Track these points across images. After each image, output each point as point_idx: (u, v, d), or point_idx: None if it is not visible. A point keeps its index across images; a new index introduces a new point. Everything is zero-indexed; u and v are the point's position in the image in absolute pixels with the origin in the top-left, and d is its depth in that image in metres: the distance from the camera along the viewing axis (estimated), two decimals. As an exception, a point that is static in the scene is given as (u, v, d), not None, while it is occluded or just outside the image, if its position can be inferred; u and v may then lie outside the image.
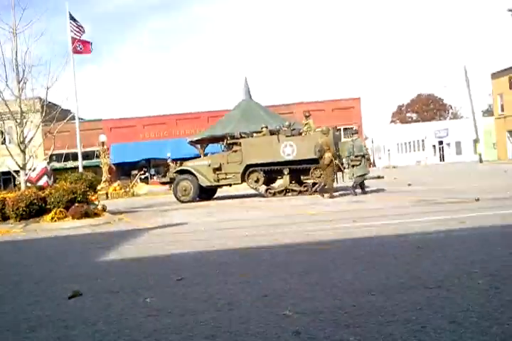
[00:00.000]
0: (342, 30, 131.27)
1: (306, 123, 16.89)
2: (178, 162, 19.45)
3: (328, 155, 14.01)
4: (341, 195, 14.51)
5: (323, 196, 14.08)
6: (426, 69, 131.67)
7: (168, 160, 29.88)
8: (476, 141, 47.48)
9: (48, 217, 11.46)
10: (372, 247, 5.47)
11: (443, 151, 62.85)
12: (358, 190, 14.47)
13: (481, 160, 44.13)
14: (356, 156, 14.38)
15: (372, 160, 49.23)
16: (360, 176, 14.41)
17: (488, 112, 69.92)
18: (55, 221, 11.30)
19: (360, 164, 14.38)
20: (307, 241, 6.19)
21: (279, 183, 16.95)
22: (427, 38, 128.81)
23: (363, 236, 6.29)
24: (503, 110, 46.93)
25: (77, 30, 24.25)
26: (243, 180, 16.73)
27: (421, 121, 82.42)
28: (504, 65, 46.39)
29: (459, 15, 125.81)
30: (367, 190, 14.75)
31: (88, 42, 24.34)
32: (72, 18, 24.06)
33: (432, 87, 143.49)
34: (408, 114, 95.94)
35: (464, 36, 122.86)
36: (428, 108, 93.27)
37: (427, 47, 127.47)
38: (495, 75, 47.40)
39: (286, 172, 16.16)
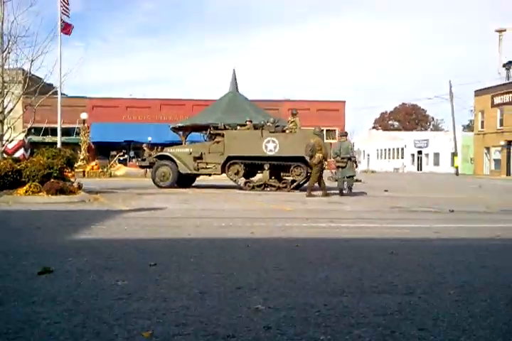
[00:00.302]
0: (337, 36, 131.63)
1: (292, 121, 16.90)
2: (155, 147, 19.25)
3: (318, 156, 13.97)
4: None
5: (308, 195, 13.75)
6: (412, 80, 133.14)
7: (144, 145, 29.72)
8: (454, 154, 48.24)
9: (22, 190, 11.27)
10: (347, 249, 5.51)
11: (421, 161, 63.73)
12: (345, 191, 14.54)
13: (457, 173, 44.89)
14: (343, 158, 14.39)
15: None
16: (350, 177, 14.44)
17: (468, 127, 71.09)
18: (29, 195, 11.11)
19: (345, 166, 14.38)
20: (283, 238, 6.20)
21: (259, 177, 16.97)
22: (418, 52, 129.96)
23: (338, 237, 6.32)
24: (483, 127, 47.78)
25: (65, 8, 23.76)
26: (223, 171, 16.71)
27: (402, 130, 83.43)
28: (488, 83, 47.11)
29: (451, 33, 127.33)
30: (344, 192, 14.76)
31: (70, 25, 23.87)
32: None
33: (416, 98, 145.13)
34: (390, 122, 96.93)
35: (453, 52, 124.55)
36: (410, 117, 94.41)
37: (416, 59, 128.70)
38: (478, 92, 48.20)
39: (266, 168, 16.18)
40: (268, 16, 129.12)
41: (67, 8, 23.74)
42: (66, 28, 23.70)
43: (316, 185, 14.28)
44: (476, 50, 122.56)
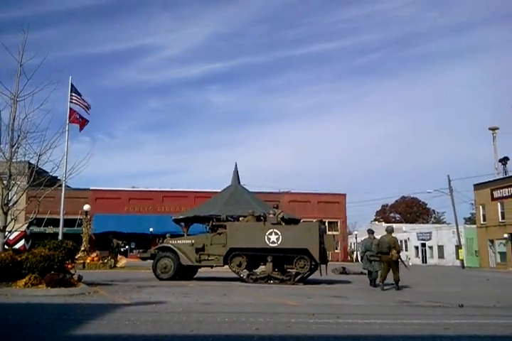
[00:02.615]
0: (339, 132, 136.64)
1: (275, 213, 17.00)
2: (157, 239, 19.30)
3: (394, 252, 14.64)
4: (326, 288, 14.26)
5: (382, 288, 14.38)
6: (411, 174, 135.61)
7: (110, 236, 29.80)
8: (458, 247, 47.79)
9: (22, 282, 11.05)
10: (357, 346, 5.32)
11: (425, 253, 62.90)
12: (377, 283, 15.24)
13: (463, 266, 44.12)
14: (377, 253, 15.37)
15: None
16: (376, 272, 15.58)
17: (470, 220, 71.12)
18: (29, 287, 10.88)
19: (379, 260, 15.43)
20: (289, 335, 6.00)
21: (262, 269, 16.69)
22: (417, 147, 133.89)
23: (346, 334, 6.12)
24: (485, 220, 47.86)
25: (80, 103, 25.03)
26: (225, 263, 16.48)
27: (404, 222, 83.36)
28: (486, 177, 48.13)
29: (448, 130, 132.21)
30: (351, 284, 14.59)
31: (85, 120, 25.00)
32: (76, 91, 24.96)
33: (416, 191, 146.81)
34: (392, 214, 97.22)
35: (450, 148, 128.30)
36: (411, 210, 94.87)
37: (415, 154, 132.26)
38: (477, 186, 48.94)
39: (269, 260, 15.98)
40: (268, 115, 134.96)
41: (83, 102, 24.99)
42: (82, 122, 24.79)
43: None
44: (473, 146, 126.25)
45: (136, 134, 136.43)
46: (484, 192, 47.45)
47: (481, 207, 48.61)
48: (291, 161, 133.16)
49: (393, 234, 15.54)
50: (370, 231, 17.01)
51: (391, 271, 14.66)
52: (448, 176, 48.09)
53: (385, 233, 15.21)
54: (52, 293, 10.49)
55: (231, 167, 26.15)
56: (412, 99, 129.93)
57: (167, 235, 26.59)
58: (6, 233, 14.11)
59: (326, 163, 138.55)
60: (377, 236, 16.57)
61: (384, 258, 14.91)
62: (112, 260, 26.10)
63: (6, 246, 14.69)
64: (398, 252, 14.93)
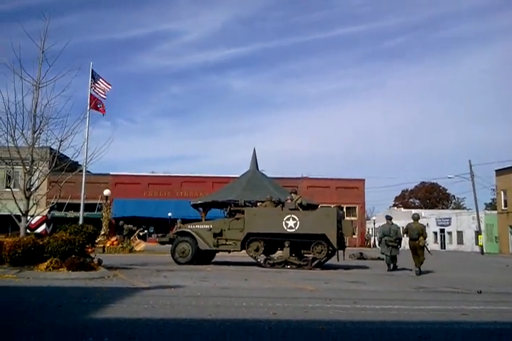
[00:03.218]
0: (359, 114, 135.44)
1: (296, 198, 17.04)
2: (175, 223, 19.46)
3: (421, 239, 15.37)
4: (340, 273, 14.29)
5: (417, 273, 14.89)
6: (431, 159, 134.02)
7: (121, 222, 30.27)
8: (478, 233, 47.34)
9: (43, 265, 11.31)
10: (374, 332, 5.32)
11: (444, 239, 62.47)
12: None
13: (482, 252, 43.75)
14: (396, 239, 16.57)
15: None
16: (394, 256, 16.53)
17: (491, 206, 70.24)
18: (50, 270, 11.13)
19: (396, 246, 16.55)
20: (307, 319, 6.03)
21: (279, 255, 16.75)
22: (437, 132, 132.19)
23: (364, 320, 6.12)
24: (506, 205, 47.22)
25: (101, 88, 25.20)
26: (243, 248, 16.57)
27: (423, 208, 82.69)
28: (508, 162, 47.27)
29: (471, 115, 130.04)
30: (368, 270, 14.74)
31: (103, 105, 25.22)
32: (97, 76, 25.09)
33: (436, 176, 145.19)
34: (411, 200, 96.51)
35: (472, 133, 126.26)
36: (431, 196, 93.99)
37: (435, 139, 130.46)
38: (499, 172, 48.20)
39: (286, 245, 16.02)
40: (288, 100, 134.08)
41: (105, 87, 25.16)
42: (103, 107, 25.02)
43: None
44: (496, 131, 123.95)
45: (156, 120, 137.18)
46: (506, 177, 46.73)
47: (502, 192, 47.93)
48: (310, 147, 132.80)
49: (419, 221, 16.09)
50: (388, 218, 17.52)
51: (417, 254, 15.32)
52: (469, 161, 47.40)
53: (409, 219, 16.19)
54: (72, 277, 10.69)
55: (249, 152, 26.21)
56: (434, 83, 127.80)
57: (178, 220, 27.10)
58: (28, 217, 14.36)
59: (345, 148, 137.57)
60: (395, 222, 17.15)
61: (412, 243, 15.47)
62: (131, 244, 26.47)
63: (28, 230, 14.97)
64: (425, 238, 15.62)
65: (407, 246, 15.99)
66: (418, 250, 15.37)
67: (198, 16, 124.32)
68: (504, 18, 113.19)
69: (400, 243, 16.83)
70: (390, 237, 16.60)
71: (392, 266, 16.49)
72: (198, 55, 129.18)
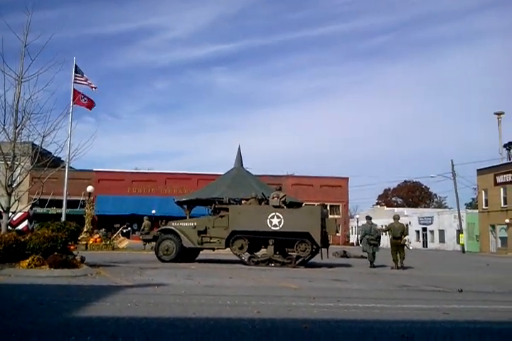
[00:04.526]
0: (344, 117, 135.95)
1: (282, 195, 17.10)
2: (159, 221, 19.46)
3: (403, 238, 17.35)
4: (325, 271, 14.36)
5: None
6: (414, 158, 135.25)
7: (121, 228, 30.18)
8: (459, 232, 47.96)
9: (25, 262, 11.15)
10: (357, 331, 5.36)
11: (426, 238, 63.17)
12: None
13: (463, 251, 44.35)
14: (376, 237, 17.76)
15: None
16: (374, 253, 17.57)
17: (471, 205, 71.13)
18: (32, 267, 10.99)
19: (377, 244, 17.76)
20: (290, 318, 6.05)
21: (263, 252, 16.78)
22: (420, 131, 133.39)
23: (347, 319, 6.16)
24: (487, 205, 47.89)
25: (85, 83, 24.97)
26: (227, 246, 16.56)
27: (406, 207, 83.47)
28: (489, 162, 48.08)
29: (452, 114, 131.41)
30: (351, 268, 15.54)
31: (92, 101, 24.98)
32: (79, 71, 24.83)
33: (418, 175, 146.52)
34: (394, 198, 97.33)
35: (454, 133, 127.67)
36: (414, 194, 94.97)
37: (418, 139, 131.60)
38: (480, 172, 48.87)
39: (271, 243, 16.06)
40: (272, 97, 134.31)
41: (87, 81, 24.90)
42: (89, 103, 24.77)
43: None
44: (477, 131, 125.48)
45: (140, 115, 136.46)
46: (487, 177, 47.39)
47: (483, 191, 48.60)
48: (295, 144, 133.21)
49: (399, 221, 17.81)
50: (368, 218, 18.83)
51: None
52: (451, 161, 48.07)
53: (391, 217, 18.02)
54: (55, 274, 10.58)
55: (234, 149, 26.17)
56: (417, 83, 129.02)
57: (144, 217, 27.16)
58: (10, 214, 14.17)
59: (330, 146, 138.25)
60: (375, 221, 18.58)
61: (395, 241, 17.20)
62: (114, 241, 26.31)
63: (9, 227, 14.78)
64: (405, 236, 17.56)
65: (385, 244, 17.21)
66: (399, 248, 17.08)
67: (183, 12, 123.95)
68: (485, 19, 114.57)
69: (379, 241, 17.99)
70: (371, 236, 17.75)
71: (373, 262, 17.51)
72: (184, 50, 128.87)
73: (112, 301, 7.07)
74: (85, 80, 24.89)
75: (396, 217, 17.89)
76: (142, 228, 28.14)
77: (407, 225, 65.56)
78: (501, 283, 12.19)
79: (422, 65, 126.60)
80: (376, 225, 18.65)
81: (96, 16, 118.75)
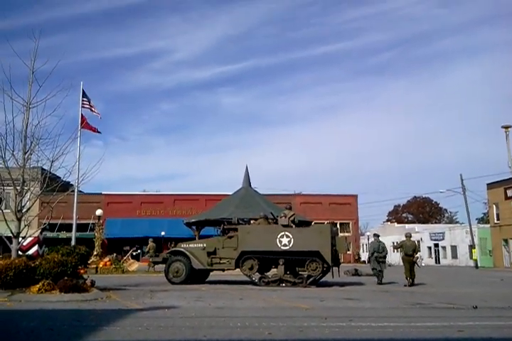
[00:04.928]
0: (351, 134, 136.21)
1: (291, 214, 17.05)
2: (169, 243, 19.47)
3: (416, 255, 17.56)
4: (336, 289, 14.21)
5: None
6: (423, 174, 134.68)
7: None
8: (472, 247, 47.39)
9: (35, 287, 11.15)
10: (370, 350, 5.29)
11: (438, 254, 62.44)
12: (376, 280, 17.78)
13: (477, 266, 43.74)
14: (384, 256, 18.24)
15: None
16: (382, 271, 17.92)
17: (482, 220, 70.46)
18: (42, 292, 10.97)
19: (385, 261, 18.21)
20: (302, 339, 5.99)
21: (274, 273, 16.66)
22: (427, 146, 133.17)
23: (359, 338, 6.09)
24: (498, 219, 47.41)
25: (91, 108, 25.28)
26: (237, 266, 16.47)
27: (416, 223, 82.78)
28: (498, 176, 47.75)
29: (460, 129, 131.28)
30: (363, 286, 15.59)
31: (96, 130, 25.26)
32: (86, 96, 25.17)
33: (428, 191, 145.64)
34: (404, 215, 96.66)
35: (463, 147, 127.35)
36: (424, 210, 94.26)
37: (425, 154, 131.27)
38: (490, 186, 48.50)
39: (281, 263, 15.94)
40: (278, 116, 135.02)
41: (94, 111, 25.23)
42: (94, 129, 25.07)
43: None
44: (486, 145, 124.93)
45: (147, 138, 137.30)
46: (498, 191, 47.02)
47: (494, 206, 48.17)
48: (302, 163, 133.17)
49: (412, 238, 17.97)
50: (376, 235, 19.23)
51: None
52: (460, 175, 47.72)
53: (402, 234, 18.18)
54: (65, 299, 10.56)
55: (242, 169, 26.23)
56: (423, 98, 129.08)
57: (149, 239, 27.48)
58: (20, 239, 14.22)
59: (337, 164, 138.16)
60: (386, 238, 18.78)
61: (408, 259, 17.20)
62: (124, 264, 26.27)
63: (19, 252, 14.81)
64: (417, 253, 17.67)
65: (397, 261, 17.39)
66: (412, 265, 17.07)
67: (188, 34, 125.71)
68: (487, 33, 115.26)
69: (385, 258, 18.57)
70: (380, 253, 18.09)
71: (381, 279, 17.83)
72: (189, 72, 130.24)
73: (122, 325, 7.03)
74: (91, 106, 25.21)
75: (408, 235, 17.94)
76: (147, 250, 28.27)
77: (418, 241, 64.98)
78: (516, 299, 11.99)
79: (427, 79, 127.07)
80: (383, 243, 18.83)
81: (101, 41, 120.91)
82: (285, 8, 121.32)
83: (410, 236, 17.94)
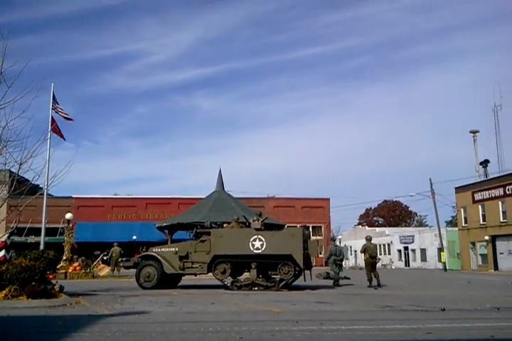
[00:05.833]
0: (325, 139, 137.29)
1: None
2: (140, 247, 19.25)
3: (378, 256, 18.81)
4: (307, 293, 14.28)
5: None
6: (393, 178, 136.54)
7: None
8: (440, 250, 48.22)
9: (1, 294, 10.91)
10: (340, 354, 5.34)
11: (408, 257, 63.32)
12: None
13: (445, 269, 44.54)
14: (341, 259, 19.14)
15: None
16: (338, 273, 18.63)
17: (451, 223, 71.79)
18: (8, 298, 10.74)
19: (341, 264, 19.11)
20: (273, 343, 6.00)
21: (246, 276, 16.64)
22: (398, 150, 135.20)
23: (330, 341, 6.13)
24: (466, 222, 48.36)
25: (61, 111, 24.87)
26: (209, 271, 16.39)
27: (387, 226, 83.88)
28: (466, 180, 48.87)
29: (429, 134, 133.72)
30: (334, 290, 15.94)
31: (61, 134, 24.81)
32: (54, 99, 24.77)
33: (398, 194, 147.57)
34: (375, 218, 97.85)
35: (432, 152, 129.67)
36: (394, 214, 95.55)
37: (396, 157, 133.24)
38: (459, 189, 49.47)
39: (253, 266, 15.93)
40: (254, 120, 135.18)
41: (65, 117, 24.80)
42: (60, 133, 24.63)
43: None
44: (454, 150, 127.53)
45: (121, 140, 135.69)
46: (466, 194, 47.99)
47: (462, 209, 49.12)
48: (276, 167, 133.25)
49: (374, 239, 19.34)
50: (333, 239, 21.37)
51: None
52: (430, 179, 48.67)
53: (374, 237, 19.21)
54: (33, 305, 10.34)
55: (215, 173, 26.19)
56: (398, 102, 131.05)
57: (114, 243, 26.94)
58: (-14, 243, 13.87)
59: (310, 168, 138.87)
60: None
61: (372, 261, 17.99)
62: (94, 269, 25.91)
63: (-15, 257, 14.44)
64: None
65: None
66: (374, 266, 18.03)
67: (164, 37, 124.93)
68: (460, 39, 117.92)
69: (342, 261, 19.63)
70: (337, 257, 18.90)
71: (338, 281, 18.68)
72: (164, 75, 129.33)
73: (91, 331, 6.93)
74: (61, 110, 24.81)
75: (368, 238, 18.72)
76: (110, 255, 28.06)
77: (388, 245, 65.94)
78: (482, 301, 12.25)
79: (399, 84, 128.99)
80: (340, 246, 20.15)
81: (76, 42, 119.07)
82: (263, 12, 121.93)
83: (371, 239, 18.72)
